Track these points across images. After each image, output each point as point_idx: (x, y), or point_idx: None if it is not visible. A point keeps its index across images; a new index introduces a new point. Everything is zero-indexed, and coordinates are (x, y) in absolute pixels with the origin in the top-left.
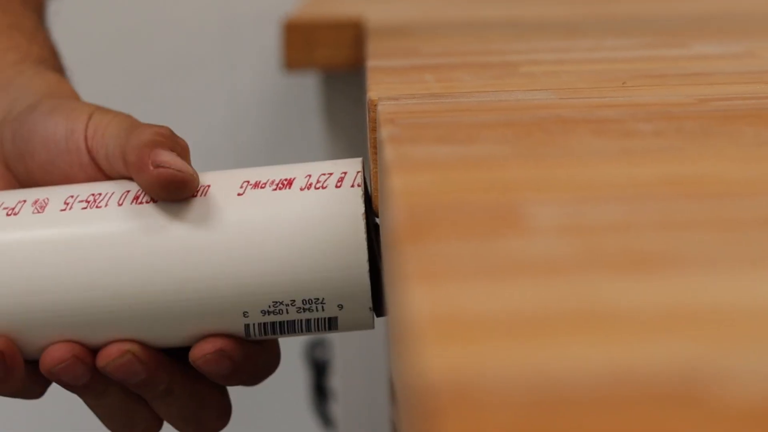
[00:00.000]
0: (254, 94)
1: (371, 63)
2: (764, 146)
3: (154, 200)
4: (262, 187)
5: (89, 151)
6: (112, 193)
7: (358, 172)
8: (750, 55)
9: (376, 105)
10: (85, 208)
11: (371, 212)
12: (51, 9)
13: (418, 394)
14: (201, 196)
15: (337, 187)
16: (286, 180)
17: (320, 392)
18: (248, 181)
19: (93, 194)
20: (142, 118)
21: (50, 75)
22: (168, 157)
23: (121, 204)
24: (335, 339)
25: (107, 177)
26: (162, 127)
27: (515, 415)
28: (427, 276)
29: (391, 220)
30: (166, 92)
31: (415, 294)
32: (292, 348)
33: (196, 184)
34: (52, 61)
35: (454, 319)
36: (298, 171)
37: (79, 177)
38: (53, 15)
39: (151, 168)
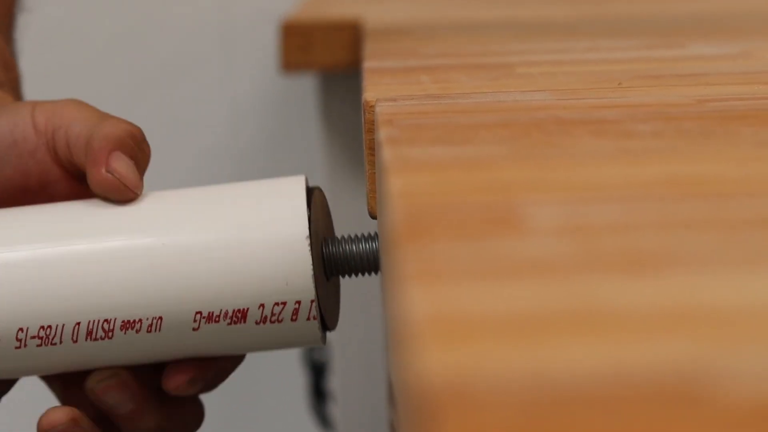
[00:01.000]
0: (252, 94)
1: (368, 64)
2: (762, 146)
3: (109, 337)
4: (216, 321)
5: (42, 135)
6: (63, 326)
7: (312, 301)
8: (747, 56)
9: (371, 106)
10: (40, 345)
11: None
12: (19, 21)
13: (417, 394)
14: (155, 331)
15: (292, 320)
16: (240, 312)
17: (319, 394)
18: (201, 313)
19: (42, 327)
20: (141, 120)
21: None
22: (123, 166)
23: (76, 341)
24: (334, 341)
25: (59, 161)
26: (135, 127)
27: (514, 416)
28: (426, 277)
29: (389, 221)
30: (164, 93)
31: (413, 295)
32: (290, 351)
33: (136, 197)
34: (1, 77)
35: (452, 319)
36: (248, 296)
37: (30, 165)
38: (22, 27)
39: (103, 171)
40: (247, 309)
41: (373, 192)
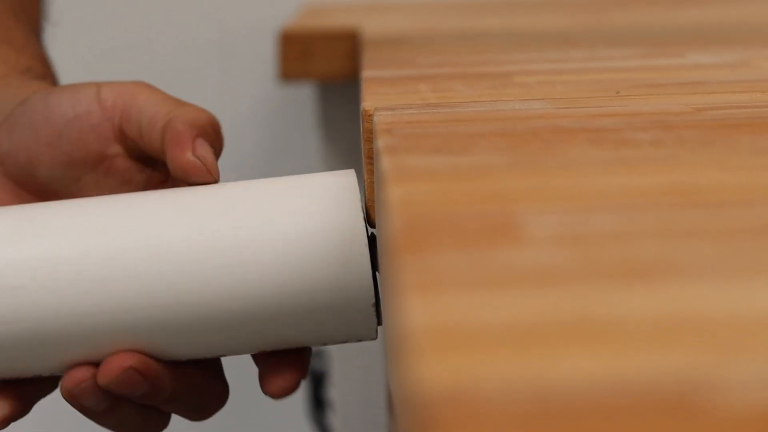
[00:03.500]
0: (251, 104)
1: (366, 73)
2: (761, 154)
3: None
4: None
5: (109, 111)
6: None
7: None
8: (745, 65)
9: (370, 115)
10: None
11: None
12: (48, 28)
13: (416, 404)
14: None
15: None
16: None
17: (318, 403)
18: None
19: None
20: None
21: (35, 83)
22: (207, 153)
23: None
24: (333, 350)
25: (124, 139)
26: (214, 117)
27: (512, 426)
28: (425, 286)
29: (388, 231)
30: None
31: (412, 304)
32: None
33: (215, 182)
34: (40, 70)
35: (451, 329)
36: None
37: (90, 140)
38: (50, 34)
39: (189, 155)
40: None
41: (372, 201)
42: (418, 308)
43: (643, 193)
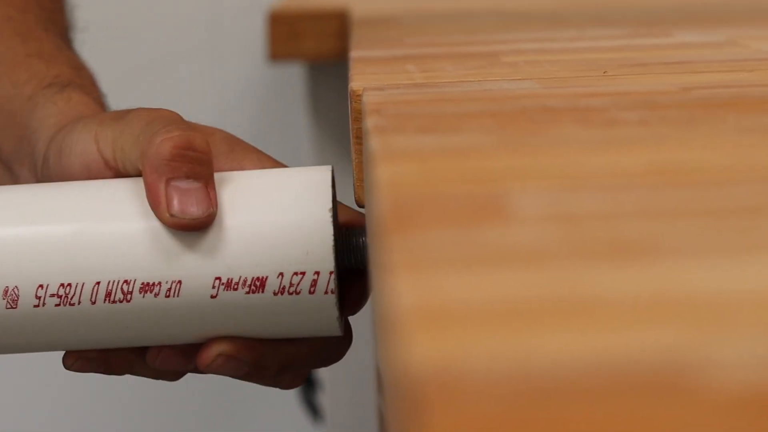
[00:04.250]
0: (240, 84)
1: (354, 53)
2: (747, 133)
3: (127, 300)
4: (234, 289)
5: (113, 169)
6: (83, 285)
7: (330, 273)
8: (732, 44)
9: (359, 95)
10: (58, 305)
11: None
12: (77, 38)
13: (404, 384)
14: (173, 296)
15: (310, 293)
16: (258, 281)
17: (308, 383)
18: (220, 279)
19: (62, 284)
20: None
21: (58, 97)
22: (182, 203)
23: (94, 302)
24: None
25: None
26: (179, 136)
27: (501, 405)
28: (413, 266)
29: (376, 211)
30: (152, 84)
31: (400, 284)
32: None
33: (213, 218)
34: (67, 77)
35: (439, 308)
36: (268, 264)
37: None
38: (79, 43)
39: (167, 216)
40: (266, 277)
41: (361, 181)
42: (406, 287)
43: (629, 173)
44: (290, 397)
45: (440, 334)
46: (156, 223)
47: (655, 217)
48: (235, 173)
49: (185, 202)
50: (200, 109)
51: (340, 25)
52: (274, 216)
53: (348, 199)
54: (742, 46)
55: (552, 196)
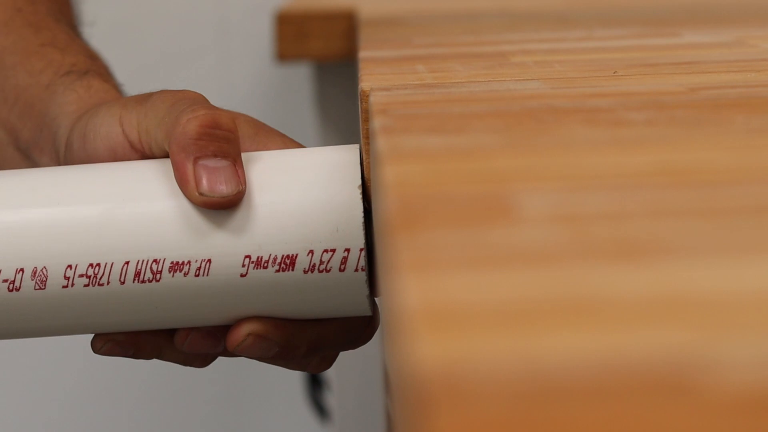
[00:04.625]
0: (247, 84)
1: (363, 54)
2: (754, 134)
3: (156, 279)
4: (264, 267)
5: (139, 151)
6: (112, 265)
7: (361, 249)
8: (740, 44)
9: (368, 95)
10: (87, 285)
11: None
12: (84, 33)
13: (411, 383)
14: (203, 275)
15: (341, 270)
16: (288, 258)
17: (315, 382)
18: (250, 257)
19: (91, 264)
20: None
21: (77, 84)
22: (210, 181)
23: (123, 282)
24: None
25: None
26: (204, 115)
27: (507, 405)
28: (420, 266)
29: (383, 211)
30: (159, 84)
31: (407, 284)
32: None
33: (242, 196)
34: (84, 65)
35: (446, 308)
36: (298, 241)
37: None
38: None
39: (196, 194)
40: (296, 255)
41: (371, 181)
42: (413, 287)
43: (636, 173)
44: (297, 396)
45: (447, 335)
46: (184, 202)
47: (663, 218)
48: (263, 153)
49: (214, 180)
50: None
51: (347, 25)
52: (303, 193)
53: None
54: (751, 47)
55: (559, 196)
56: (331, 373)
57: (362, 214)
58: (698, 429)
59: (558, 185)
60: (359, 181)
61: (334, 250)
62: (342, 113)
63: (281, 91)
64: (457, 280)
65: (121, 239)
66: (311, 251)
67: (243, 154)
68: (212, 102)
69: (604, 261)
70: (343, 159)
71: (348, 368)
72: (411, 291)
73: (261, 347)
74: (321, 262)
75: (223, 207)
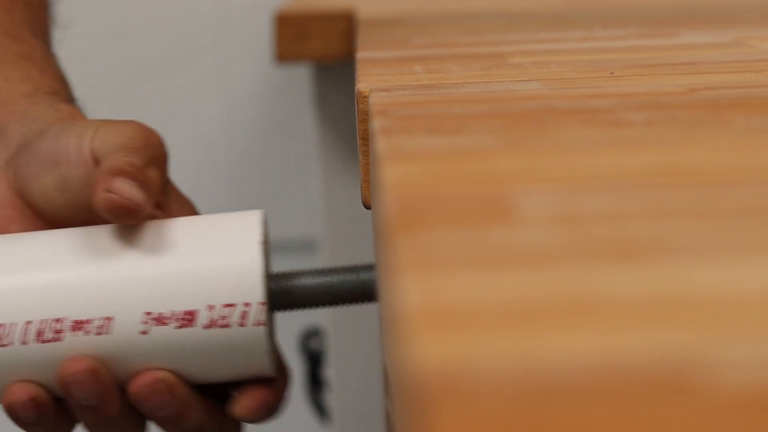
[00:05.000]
0: (247, 85)
1: (361, 54)
2: (754, 134)
3: (59, 339)
4: (165, 324)
5: (97, 164)
6: (14, 325)
7: (260, 304)
8: (739, 44)
9: (365, 97)
10: None
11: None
12: (56, 36)
13: (411, 384)
14: (105, 333)
15: (240, 326)
16: (189, 314)
17: (315, 382)
18: (150, 314)
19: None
20: (136, 111)
21: (62, 106)
22: (121, 185)
23: (25, 342)
24: (330, 330)
25: None
26: (137, 158)
27: (507, 405)
28: (419, 266)
29: (382, 212)
30: (159, 85)
31: (407, 284)
32: (287, 339)
33: (145, 213)
34: (63, 93)
35: (445, 309)
36: (198, 297)
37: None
38: (58, 42)
39: (101, 191)
40: (197, 311)
41: (368, 182)
42: (413, 288)
43: (636, 173)
44: (297, 396)
45: (447, 335)
46: (87, 264)
47: (662, 218)
48: (168, 219)
49: (122, 185)
50: (207, 109)
51: (347, 26)
52: (204, 249)
53: (356, 201)
54: (749, 47)
55: (558, 196)
56: (331, 373)
57: (262, 269)
58: (698, 429)
59: (557, 186)
60: (259, 238)
61: (234, 305)
62: (342, 113)
63: (281, 91)
64: (457, 280)
65: (23, 299)
66: (211, 306)
67: (149, 222)
68: (212, 102)
69: (603, 261)
70: (245, 219)
71: (348, 368)
72: (411, 291)
73: (163, 399)
74: (221, 317)
75: (126, 214)
